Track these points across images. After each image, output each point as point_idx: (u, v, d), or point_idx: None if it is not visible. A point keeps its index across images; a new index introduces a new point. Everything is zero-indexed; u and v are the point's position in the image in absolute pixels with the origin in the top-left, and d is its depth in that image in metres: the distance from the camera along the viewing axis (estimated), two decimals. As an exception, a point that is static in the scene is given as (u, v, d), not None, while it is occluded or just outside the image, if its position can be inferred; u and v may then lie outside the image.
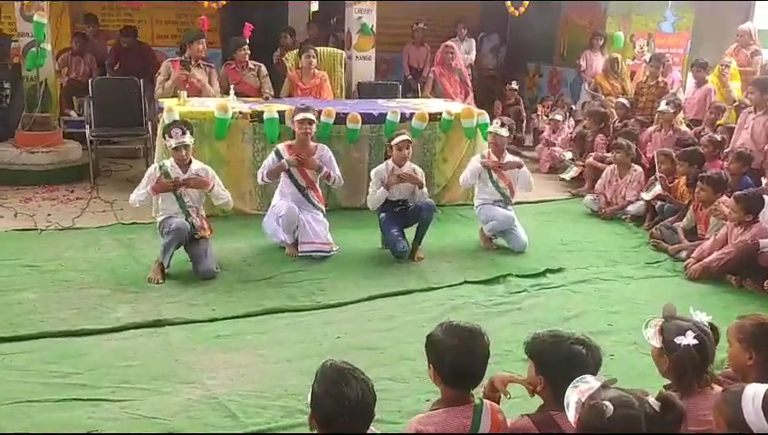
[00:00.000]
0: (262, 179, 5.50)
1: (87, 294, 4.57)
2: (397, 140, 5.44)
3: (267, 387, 3.54)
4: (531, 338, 2.51)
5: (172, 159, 5.00)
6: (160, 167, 4.99)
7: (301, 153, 5.37)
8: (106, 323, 4.15)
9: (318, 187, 5.56)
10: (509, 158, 5.85)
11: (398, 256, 5.35)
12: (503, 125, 5.74)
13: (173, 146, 4.89)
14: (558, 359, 2.39)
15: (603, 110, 8.32)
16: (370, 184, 5.58)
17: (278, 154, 5.43)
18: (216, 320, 4.28)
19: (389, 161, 5.52)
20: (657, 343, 2.61)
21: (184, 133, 4.89)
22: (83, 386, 3.48)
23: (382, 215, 5.54)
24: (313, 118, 5.43)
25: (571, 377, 2.33)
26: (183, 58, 7.06)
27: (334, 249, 5.43)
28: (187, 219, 4.96)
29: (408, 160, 5.53)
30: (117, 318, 4.22)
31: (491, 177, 5.76)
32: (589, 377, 2.14)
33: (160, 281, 4.80)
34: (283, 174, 5.44)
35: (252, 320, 4.32)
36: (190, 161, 5.00)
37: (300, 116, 5.38)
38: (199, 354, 3.86)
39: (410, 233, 5.55)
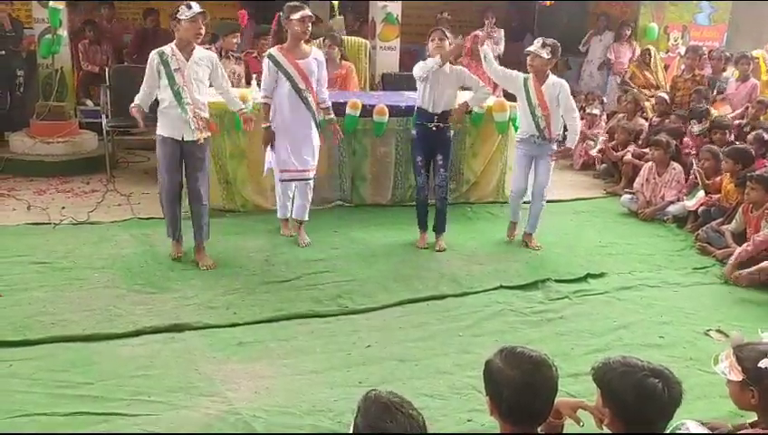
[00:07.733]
0: (263, 97, 5.09)
1: (101, 294, 4.32)
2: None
3: (294, 402, 3.26)
4: (600, 363, 2.20)
5: (172, 45, 4.65)
6: (160, 55, 4.63)
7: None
8: (120, 326, 3.90)
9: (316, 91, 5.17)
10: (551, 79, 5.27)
11: (417, 190, 5.36)
12: (544, 45, 5.22)
13: (191, 14, 4.47)
14: (627, 392, 2.08)
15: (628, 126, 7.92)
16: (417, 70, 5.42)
17: (272, 58, 5.00)
18: (237, 325, 4.01)
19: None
20: (736, 376, 2.28)
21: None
22: (95, 398, 3.22)
23: (414, 132, 5.36)
24: (312, 15, 5.03)
25: (642, 414, 2.04)
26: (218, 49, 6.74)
27: (312, 175, 5.25)
28: (183, 114, 4.66)
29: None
30: (132, 322, 3.96)
31: (530, 101, 5.26)
32: (691, 423, 1.81)
33: (179, 254, 4.90)
34: (281, 79, 5.01)
35: (274, 325, 4.04)
36: (193, 48, 4.65)
37: (298, 14, 4.88)
38: (220, 363, 3.59)
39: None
